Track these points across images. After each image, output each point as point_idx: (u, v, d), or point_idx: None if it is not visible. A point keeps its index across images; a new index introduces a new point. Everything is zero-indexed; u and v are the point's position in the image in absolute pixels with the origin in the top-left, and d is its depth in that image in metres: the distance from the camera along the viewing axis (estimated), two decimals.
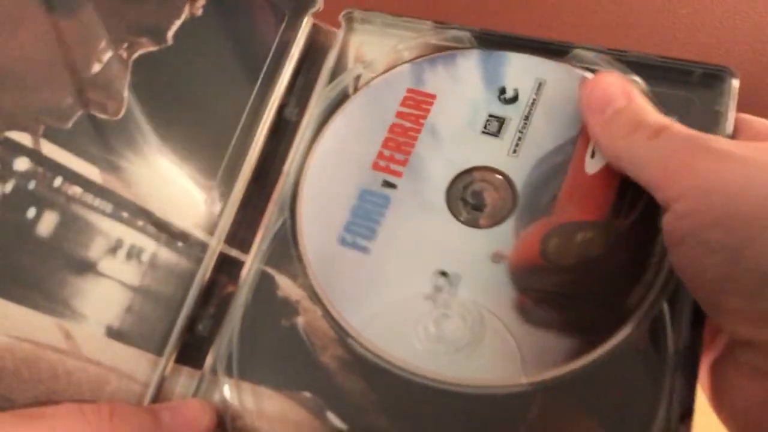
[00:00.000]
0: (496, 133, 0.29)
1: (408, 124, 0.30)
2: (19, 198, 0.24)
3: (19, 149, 0.24)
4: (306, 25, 0.31)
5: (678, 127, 0.24)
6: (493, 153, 0.29)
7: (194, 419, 0.24)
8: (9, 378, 0.23)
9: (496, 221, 0.28)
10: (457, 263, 0.27)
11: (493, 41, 0.31)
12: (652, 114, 0.26)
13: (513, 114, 0.29)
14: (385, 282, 0.27)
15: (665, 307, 0.25)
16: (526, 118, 0.29)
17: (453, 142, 0.29)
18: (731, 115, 0.28)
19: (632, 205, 0.26)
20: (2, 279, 0.23)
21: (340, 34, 0.31)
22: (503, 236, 0.27)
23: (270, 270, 0.28)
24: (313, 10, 0.31)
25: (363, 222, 0.28)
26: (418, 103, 0.30)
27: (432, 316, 0.26)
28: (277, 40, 0.30)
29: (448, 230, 0.28)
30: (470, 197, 0.28)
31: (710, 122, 0.28)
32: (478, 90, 0.30)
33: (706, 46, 0.54)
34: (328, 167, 0.29)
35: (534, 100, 0.29)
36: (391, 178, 0.29)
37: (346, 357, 0.26)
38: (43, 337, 0.24)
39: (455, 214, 0.28)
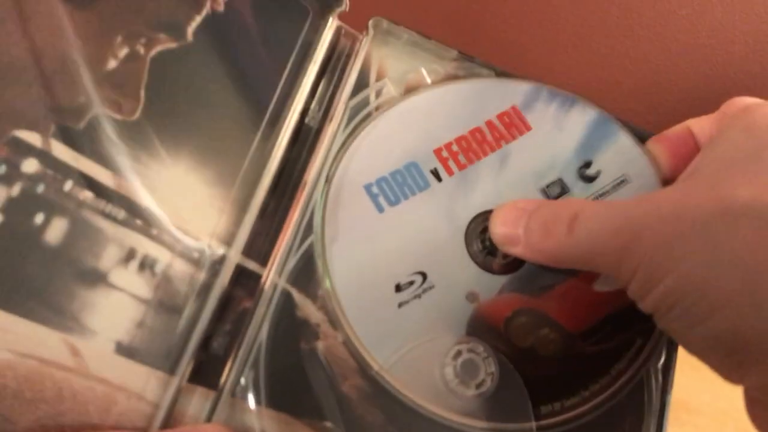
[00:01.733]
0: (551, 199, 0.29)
1: (489, 137, 0.29)
2: (26, 202, 0.22)
3: (28, 150, 0.22)
4: (331, 25, 0.30)
5: (586, 212, 0.24)
6: None
7: None
8: (10, 398, 0.21)
9: (492, 269, 0.27)
10: (439, 276, 0.27)
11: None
12: (558, 207, 0.25)
13: (579, 192, 0.29)
14: (379, 243, 0.27)
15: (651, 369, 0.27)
16: None
17: (510, 181, 0.29)
18: None
19: (603, 339, 0.27)
20: (6, 290, 0.21)
21: (366, 40, 0.30)
22: (490, 286, 0.27)
23: (290, 288, 0.26)
24: (339, 9, 0.30)
25: (394, 186, 0.28)
26: (512, 126, 0.29)
27: (458, 358, 0.26)
28: (300, 39, 0.29)
29: (453, 247, 0.27)
30: (487, 238, 0.27)
31: None
32: (568, 149, 0.29)
33: (706, 47, 0.54)
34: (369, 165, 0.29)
35: (607, 192, 0.29)
36: (442, 171, 0.28)
37: (367, 389, 0.25)
38: (49, 354, 0.22)
39: (467, 241, 0.28)
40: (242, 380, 0.24)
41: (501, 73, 0.31)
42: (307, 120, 0.29)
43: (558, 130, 0.29)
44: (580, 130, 0.29)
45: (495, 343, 0.26)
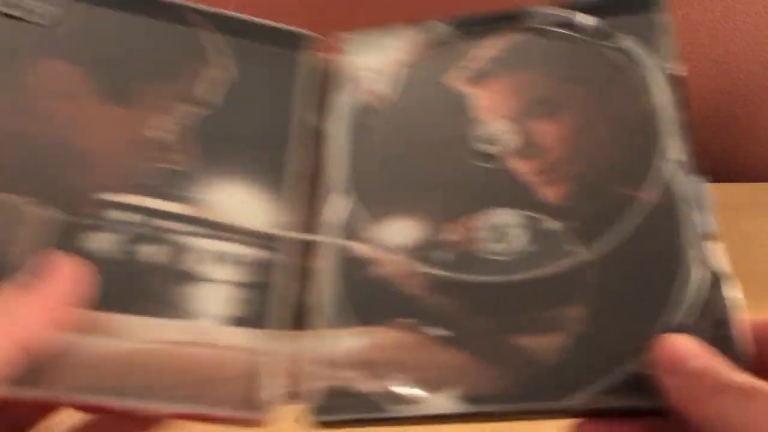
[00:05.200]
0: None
1: None
2: (134, 240, 0.29)
3: (123, 206, 0.30)
4: (309, 57, 0.37)
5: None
6: None
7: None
8: (166, 374, 0.27)
9: None
10: None
11: (471, 24, 0.36)
12: (737, 374, 0.24)
13: None
14: None
15: None
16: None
17: None
18: None
19: None
20: (142, 301, 0.28)
21: (344, 57, 0.37)
22: None
23: (345, 242, 0.32)
24: (308, 45, 0.37)
25: None
26: None
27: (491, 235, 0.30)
28: (297, 76, 0.36)
29: None
30: None
31: None
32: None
33: (705, 46, 0.55)
34: None
35: None
36: None
37: (429, 284, 0.30)
38: (180, 337, 0.28)
39: None
40: (335, 314, 0.30)
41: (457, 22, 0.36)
42: (321, 130, 0.35)
43: None
44: None
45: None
